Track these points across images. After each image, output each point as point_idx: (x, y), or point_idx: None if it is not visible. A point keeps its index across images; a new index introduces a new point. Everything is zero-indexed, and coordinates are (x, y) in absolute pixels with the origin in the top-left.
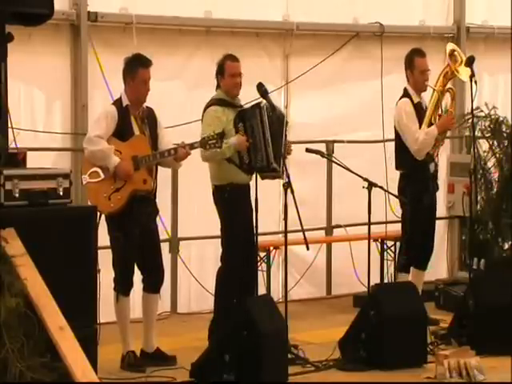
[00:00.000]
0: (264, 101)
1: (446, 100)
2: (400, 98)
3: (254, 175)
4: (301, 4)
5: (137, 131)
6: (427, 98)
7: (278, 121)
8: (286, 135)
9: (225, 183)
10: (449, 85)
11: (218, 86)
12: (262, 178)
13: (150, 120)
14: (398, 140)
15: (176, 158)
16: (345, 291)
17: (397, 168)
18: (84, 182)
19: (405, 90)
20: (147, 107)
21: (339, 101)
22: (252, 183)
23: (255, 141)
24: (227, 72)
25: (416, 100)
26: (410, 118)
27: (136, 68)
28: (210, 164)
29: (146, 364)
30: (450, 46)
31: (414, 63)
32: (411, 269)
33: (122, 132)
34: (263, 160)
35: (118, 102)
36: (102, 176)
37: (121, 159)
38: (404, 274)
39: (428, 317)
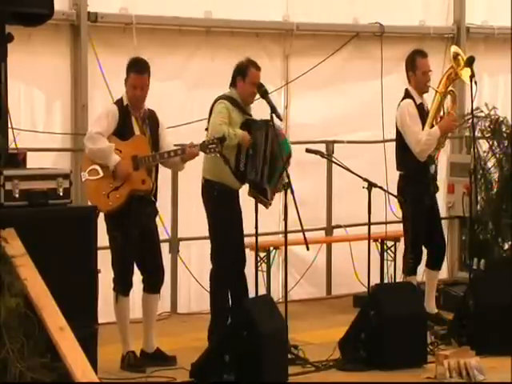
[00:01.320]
0: (273, 121)
1: (447, 102)
2: (402, 100)
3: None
4: (301, 4)
5: (137, 131)
6: (429, 99)
7: (278, 145)
8: (287, 168)
9: (215, 180)
10: (450, 87)
11: (232, 85)
12: (249, 195)
13: (151, 121)
14: (399, 141)
15: (183, 158)
16: (345, 291)
17: (398, 169)
18: (83, 179)
19: (406, 91)
20: (149, 109)
21: (339, 101)
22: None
23: (255, 153)
24: (250, 79)
25: (418, 101)
26: (413, 120)
27: (129, 72)
28: (207, 158)
29: (146, 364)
30: (454, 48)
31: (416, 64)
32: (426, 269)
33: (122, 131)
34: (257, 176)
35: (119, 102)
36: (101, 174)
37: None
38: (413, 276)
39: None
